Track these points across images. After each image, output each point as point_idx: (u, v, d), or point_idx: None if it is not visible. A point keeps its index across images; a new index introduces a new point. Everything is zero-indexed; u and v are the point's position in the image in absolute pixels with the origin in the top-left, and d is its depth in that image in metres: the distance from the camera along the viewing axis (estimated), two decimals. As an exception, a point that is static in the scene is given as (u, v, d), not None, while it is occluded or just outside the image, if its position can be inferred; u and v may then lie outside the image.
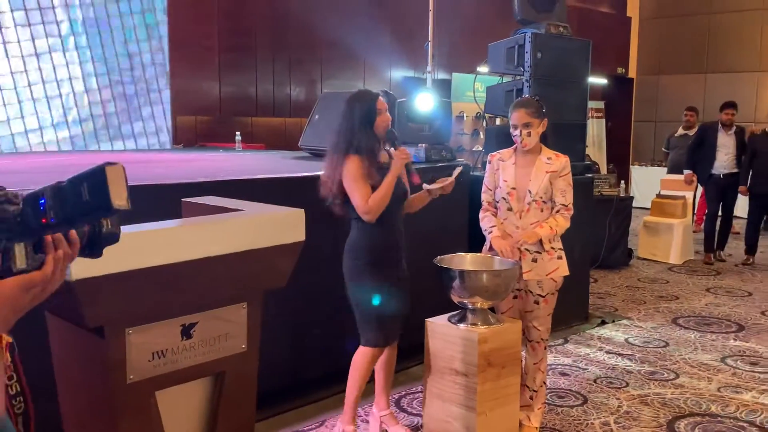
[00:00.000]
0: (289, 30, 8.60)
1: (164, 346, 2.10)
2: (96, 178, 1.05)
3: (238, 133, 6.85)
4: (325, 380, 3.95)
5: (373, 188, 3.18)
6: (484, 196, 3.55)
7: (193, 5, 7.72)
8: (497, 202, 3.51)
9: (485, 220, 3.50)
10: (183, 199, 2.59)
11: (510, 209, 3.44)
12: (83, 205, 1.06)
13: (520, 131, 3.38)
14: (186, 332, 2.13)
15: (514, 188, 3.43)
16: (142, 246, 1.96)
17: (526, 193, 3.41)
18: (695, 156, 8.10)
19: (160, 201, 2.66)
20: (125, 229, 1.99)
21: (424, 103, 4.77)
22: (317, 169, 3.95)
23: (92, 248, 1.19)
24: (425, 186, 3.32)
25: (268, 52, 8.47)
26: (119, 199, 1.06)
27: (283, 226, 2.20)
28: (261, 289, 2.22)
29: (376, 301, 3.27)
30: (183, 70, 7.52)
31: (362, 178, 3.17)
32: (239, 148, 6.66)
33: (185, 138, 7.64)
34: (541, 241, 3.39)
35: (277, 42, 8.52)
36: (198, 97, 7.90)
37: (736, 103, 8.04)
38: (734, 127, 7.90)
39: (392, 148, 3.28)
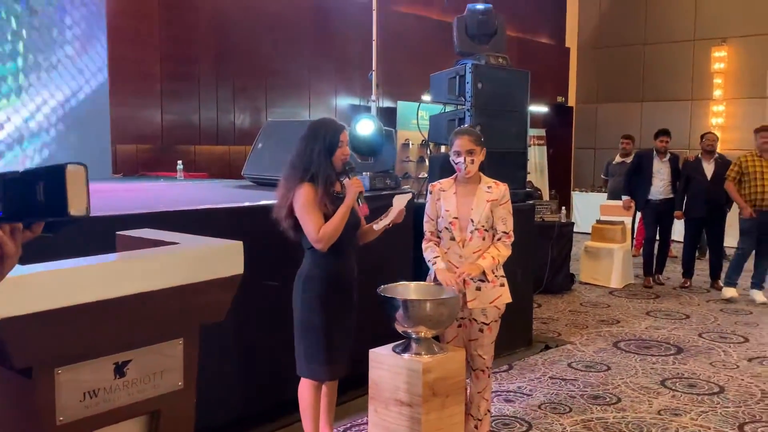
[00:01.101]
0: (233, 57, 8.56)
1: (96, 385, 2.02)
2: (54, 179, 0.97)
3: (179, 162, 6.75)
4: (272, 413, 3.89)
5: (326, 218, 3.16)
6: (427, 226, 3.56)
7: (133, 32, 7.62)
8: (440, 231, 3.52)
9: (428, 251, 3.50)
10: (117, 233, 2.52)
11: (453, 239, 3.46)
12: (36, 206, 0.98)
13: (464, 158, 3.41)
14: (119, 370, 2.06)
15: (456, 218, 3.45)
16: (73, 282, 1.90)
17: (468, 222, 3.44)
18: (632, 182, 8.33)
19: (93, 234, 2.59)
20: (53, 266, 1.93)
21: (365, 128, 4.78)
22: (260, 199, 3.92)
23: (50, 227, 1.08)
24: (374, 226, 3.33)
25: (212, 79, 8.41)
26: (77, 206, 0.97)
27: (220, 258, 2.16)
28: (198, 324, 2.17)
29: (326, 334, 3.24)
30: (123, 97, 7.40)
31: (315, 206, 3.15)
32: (181, 177, 6.55)
33: (125, 167, 7.49)
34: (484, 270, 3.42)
35: (221, 69, 8.47)
36: (139, 125, 7.76)
37: (669, 130, 8.33)
38: (668, 154, 8.17)
39: (347, 178, 3.27)
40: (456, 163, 3.46)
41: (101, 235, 2.61)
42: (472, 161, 3.43)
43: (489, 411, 3.68)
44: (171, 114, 8.06)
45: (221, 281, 2.15)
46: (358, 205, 3.26)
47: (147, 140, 7.89)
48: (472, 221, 3.43)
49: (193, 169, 7.86)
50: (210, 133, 8.43)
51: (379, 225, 3.31)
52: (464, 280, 3.38)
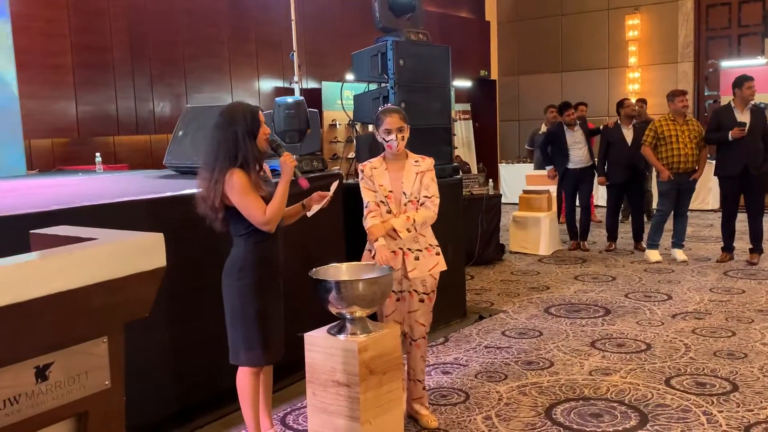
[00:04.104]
0: (148, 44, 8.30)
1: (17, 391, 1.94)
2: None
3: (98, 154, 6.53)
4: (208, 405, 3.83)
5: (264, 199, 3.12)
6: (369, 197, 3.57)
7: (40, 22, 7.29)
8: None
9: (372, 218, 3.54)
10: (31, 231, 2.41)
11: (389, 211, 3.56)
12: None
13: (395, 135, 3.51)
14: (41, 374, 1.98)
15: (391, 191, 3.57)
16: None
17: (401, 195, 3.55)
18: (548, 154, 8.58)
19: (6, 234, 2.48)
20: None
21: (288, 99, 4.73)
22: (183, 188, 3.82)
23: None
24: (308, 213, 3.36)
25: (127, 67, 8.14)
26: None
27: (140, 252, 2.08)
28: (122, 320, 2.10)
29: (263, 319, 3.21)
30: (34, 90, 7.09)
31: (252, 190, 3.10)
32: (100, 170, 6.34)
33: (41, 163, 7.20)
34: (420, 240, 3.55)
35: (136, 57, 8.21)
36: (53, 118, 7.46)
37: (570, 102, 8.62)
38: (577, 122, 8.41)
39: (278, 156, 3.25)
40: (387, 141, 3.55)
41: (14, 236, 2.50)
42: (403, 138, 3.56)
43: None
44: (86, 105, 7.77)
45: (143, 275, 2.08)
46: (296, 179, 3.25)
47: (62, 133, 7.60)
48: (405, 194, 3.56)
49: (113, 161, 7.63)
50: (129, 122, 8.18)
51: (311, 212, 3.35)
52: (403, 251, 3.52)
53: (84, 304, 1.99)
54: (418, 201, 3.57)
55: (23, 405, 1.95)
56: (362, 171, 3.62)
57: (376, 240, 3.45)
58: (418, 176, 3.57)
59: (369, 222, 3.51)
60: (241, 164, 3.11)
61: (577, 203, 8.57)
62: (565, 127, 8.38)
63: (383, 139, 3.55)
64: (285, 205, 3.18)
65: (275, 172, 3.80)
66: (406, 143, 3.59)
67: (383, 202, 3.56)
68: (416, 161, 3.62)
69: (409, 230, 3.51)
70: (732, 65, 11.88)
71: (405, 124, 3.56)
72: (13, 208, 3.05)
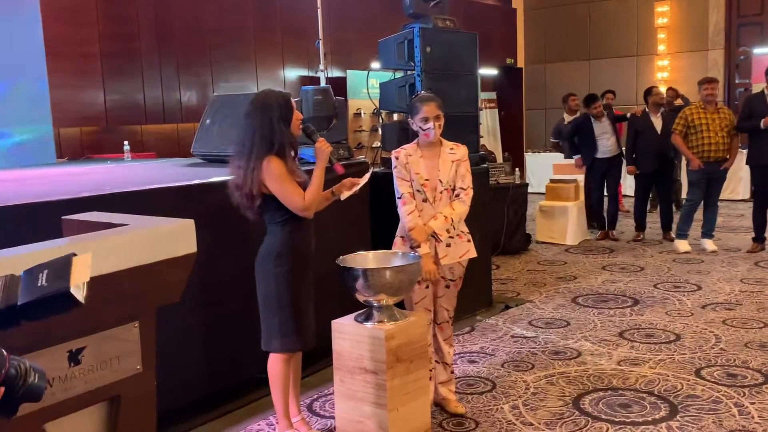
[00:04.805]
0: (174, 33, 8.34)
1: (50, 374, 1.96)
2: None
3: (126, 142, 6.58)
4: (235, 390, 3.86)
5: (300, 185, 3.14)
6: (403, 188, 3.53)
7: (69, 11, 7.35)
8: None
9: (410, 215, 3.50)
10: (63, 217, 2.44)
11: (425, 200, 3.54)
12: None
13: (433, 123, 3.50)
14: (74, 358, 2.01)
15: (427, 179, 3.54)
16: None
17: (437, 182, 3.53)
18: (574, 144, 8.49)
19: (38, 221, 2.50)
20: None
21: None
22: (210, 176, 3.84)
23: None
24: (341, 197, 3.38)
25: (154, 56, 8.18)
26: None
27: (171, 238, 2.10)
28: (153, 306, 2.12)
29: (297, 306, 3.22)
30: (63, 79, 7.15)
31: (289, 177, 3.11)
32: (128, 158, 6.40)
33: (70, 151, 7.28)
34: (453, 225, 3.52)
35: (163, 46, 8.25)
36: (81, 107, 7.53)
37: (596, 94, 8.50)
38: (604, 113, 8.30)
39: (312, 141, 3.27)
40: (424, 129, 3.53)
41: (46, 221, 2.52)
42: (440, 126, 3.54)
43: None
44: (114, 94, 7.83)
45: (174, 261, 2.09)
46: (331, 165, 3.25)
47: (91, 122, 7.67)
48: (441, 182, 3.54)
49: (140, 150, 7.68)
50: (156, 111, 8.23)
51: (344, 196, 3.38)
52: (435, 238, 3.51)
53: (116, 289, 2.01)
54: (452, 189, 3.54)
55: (57, 388, 1.97)
56: (396, 158, 3.57)
57: (419, 246, 3.45)
58: (454, 164, 3.55)
59: (410, 222, 3.47)
60: (277, 151, 3.10)
61: (605, 192, 8.48)
62: (592, 118, 8.29)
63: (420, 127, 3.53)
64: (321, 190, 3.19)
65: (302, 161, 3.81)
66: (441, 131, 3.57)
67: (419, 191, 3.52)
68: (451, 149, 3.59)
69: (448, 230, 3.52)
70: (764, 52, 11.64)
71: (441, 112, 3.53)
72: (45, 195, 3.08)
